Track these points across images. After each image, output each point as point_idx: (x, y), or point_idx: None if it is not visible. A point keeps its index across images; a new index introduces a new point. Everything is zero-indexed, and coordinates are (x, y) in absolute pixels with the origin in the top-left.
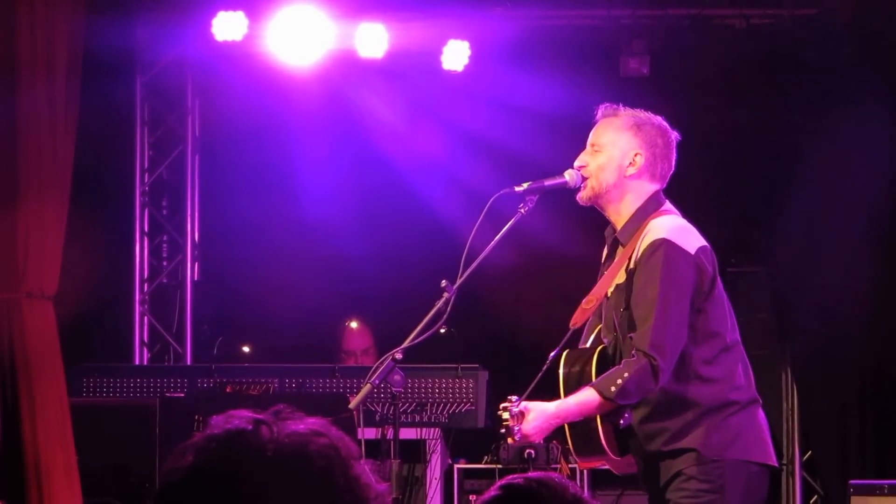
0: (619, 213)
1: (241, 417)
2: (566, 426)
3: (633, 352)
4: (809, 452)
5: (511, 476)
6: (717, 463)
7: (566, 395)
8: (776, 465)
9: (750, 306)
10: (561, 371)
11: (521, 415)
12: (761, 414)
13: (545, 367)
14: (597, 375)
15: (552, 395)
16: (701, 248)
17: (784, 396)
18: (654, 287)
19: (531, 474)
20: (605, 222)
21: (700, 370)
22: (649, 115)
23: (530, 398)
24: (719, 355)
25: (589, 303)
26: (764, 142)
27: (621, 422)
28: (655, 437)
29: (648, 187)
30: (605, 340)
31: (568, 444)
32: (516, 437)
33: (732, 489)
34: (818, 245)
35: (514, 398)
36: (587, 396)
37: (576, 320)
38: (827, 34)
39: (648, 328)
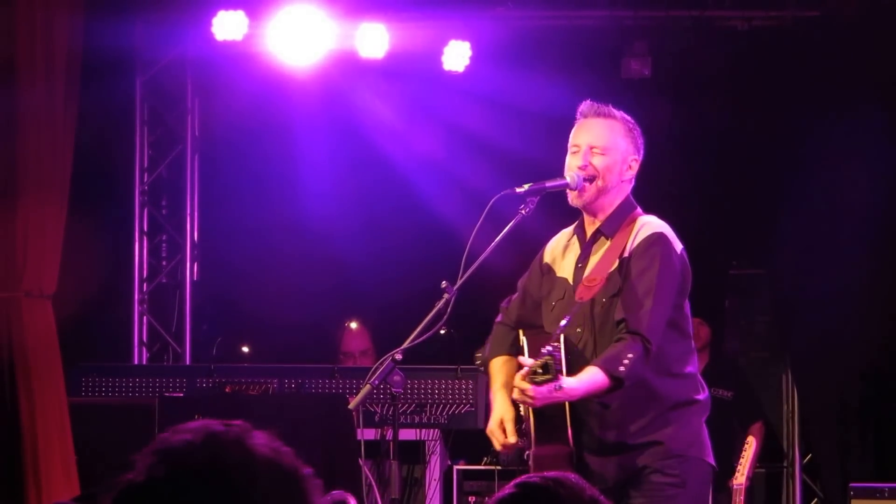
0: (605, 212)
1: (191, 430)
2: (531, 412)
3: (626, 334)
4: (810, 455)
5: (527, 475)
6: (682, 458)
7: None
8: (716, 468)
9: (751, 309)
10: (527, 355)
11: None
12: None
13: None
14: (565, 360)
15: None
16: (683, 250)
17: (784, 399)
18: (653, 275)
19: (548, 473)
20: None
21: (672, 366)
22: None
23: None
24: (687, 355)
25: (591, 281)
26: (766, 144)
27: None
28: (623, 426)
29: (628, 187)
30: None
31: (529, 431)
32: (561, 385)
33: (693, 485)
34: (819, 248)
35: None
36: (595, 375)
37: (582, 295)
38: (829, 36)
39: (647, 311)
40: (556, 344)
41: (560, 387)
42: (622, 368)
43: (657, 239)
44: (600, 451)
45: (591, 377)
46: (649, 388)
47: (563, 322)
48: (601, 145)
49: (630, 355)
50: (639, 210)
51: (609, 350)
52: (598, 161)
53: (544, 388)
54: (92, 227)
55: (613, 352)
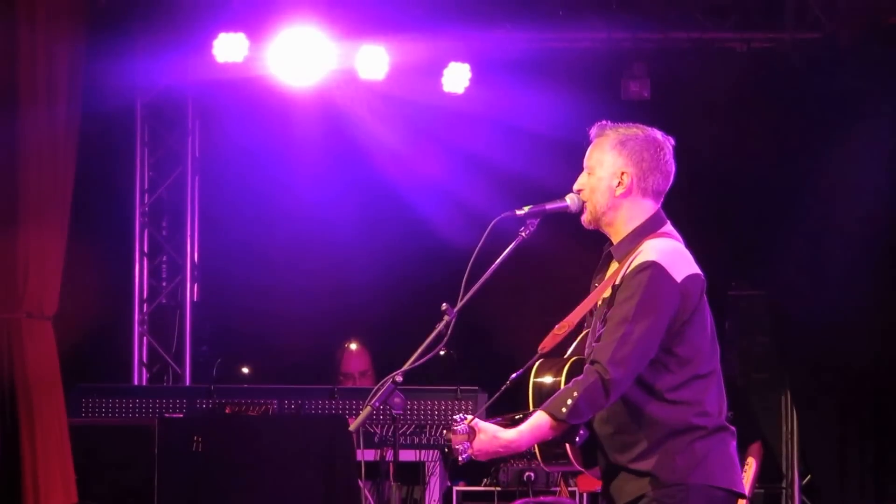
0: (618, 232)
1: None
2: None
3: (585, 366)
4: (809, 476)
5: (523, 500)
6: (680, 486)
7: (534, 404)
8: (743, 492)
9: (750, 330)
10: (531, 380)
11: (473, 432)
12: (732, 443)
13: (504, 387)
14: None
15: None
16: (690, 276)
17: (784, 419)
18: (631, 305)
19: (543, 498)
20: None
21: (666, 393)
22: (638, 129)
23: (496, 412)
24: (690, 381)
25: (561, 328)
26: (765, 165)
27: (577, 440)
28: (622, 452)
29: (644, 204)
30: (587, 351)
31: (535, 454)
32: (462, 458)
33: None
34: (818, 269)
35: (458, 417)
36: (539, 421)
37: (545, 345)
38: (828, 58)
39: (612, 341)
40: (460, 417)
41: (461, 459)
42: (564, 410)
43: (646, 267)
44: (606, 475)
45: (534, 424)
46: (643, 415)
47: (513, 375)
48: (589, 164)
49: (576, 393)
50: (660, 231)
51: (558, 391)
52: (586, 181)
53: (478, 447)
54: (93, 248)
55: (559, 393)
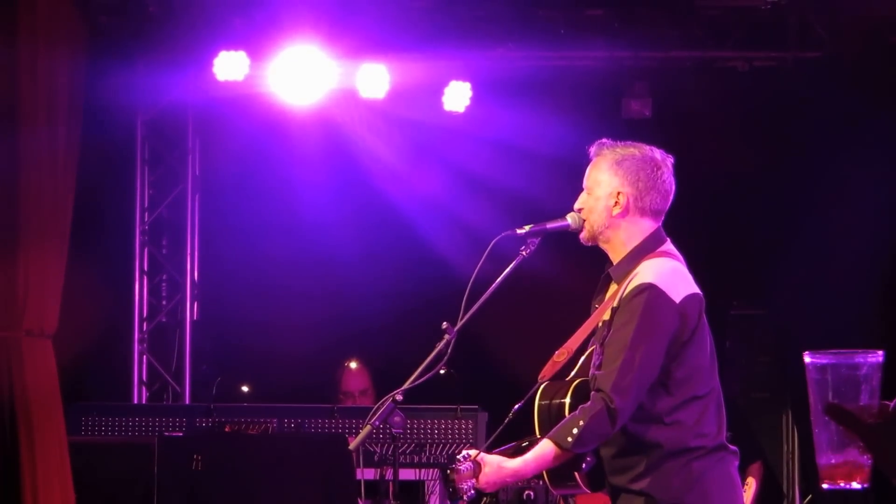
0: (617, 252)
1: None
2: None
3: (591, 393)
4: (810, 496)
5: None
6: None
7: (540, 428)
8: None
9: (752, 349)
10: (537, 404)
11: (478, 466)
12: (733, 462)
13: (507, 419)
14: (570, 409)
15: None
16: (688, 297)
17: (785, 439)
18: (629, 330)
19: None
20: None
21: (664, 415)
22: (635, 148)
23: (498, 444)
24: (688, 403)
25: (561, 355)
26: (767, 185)
27: (584, 466)
28: (623, 473)
29: (643, 224)
30: (591, 372)
31: (545, 479)
32: (466, 496)
33: None
34: (820, 288)
35: (462, 455)
36: (544, 450)
37: (545, 373)
38: (831, 77)
39: (614, 369)
40: (463, 456)
41: (464, 499)
42: (570, 439)
43: (643, 290)
44: (612, 497)
45: (539, 453)
46: (640, 437)
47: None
48: (587, 184)
49: (582, 422)
50: (659, 251)
51: (565, 419)
52: (585, 201)
53: (485, 480)
54: (92, 266)
55: (565, 421)
